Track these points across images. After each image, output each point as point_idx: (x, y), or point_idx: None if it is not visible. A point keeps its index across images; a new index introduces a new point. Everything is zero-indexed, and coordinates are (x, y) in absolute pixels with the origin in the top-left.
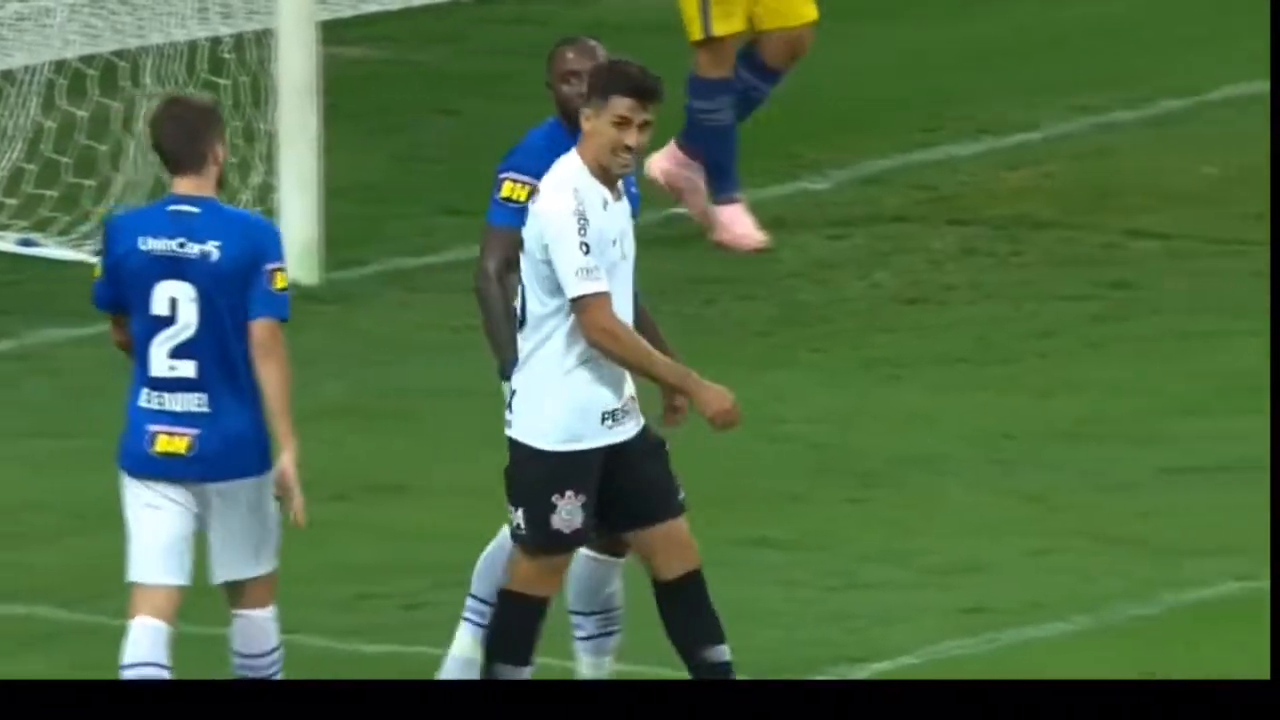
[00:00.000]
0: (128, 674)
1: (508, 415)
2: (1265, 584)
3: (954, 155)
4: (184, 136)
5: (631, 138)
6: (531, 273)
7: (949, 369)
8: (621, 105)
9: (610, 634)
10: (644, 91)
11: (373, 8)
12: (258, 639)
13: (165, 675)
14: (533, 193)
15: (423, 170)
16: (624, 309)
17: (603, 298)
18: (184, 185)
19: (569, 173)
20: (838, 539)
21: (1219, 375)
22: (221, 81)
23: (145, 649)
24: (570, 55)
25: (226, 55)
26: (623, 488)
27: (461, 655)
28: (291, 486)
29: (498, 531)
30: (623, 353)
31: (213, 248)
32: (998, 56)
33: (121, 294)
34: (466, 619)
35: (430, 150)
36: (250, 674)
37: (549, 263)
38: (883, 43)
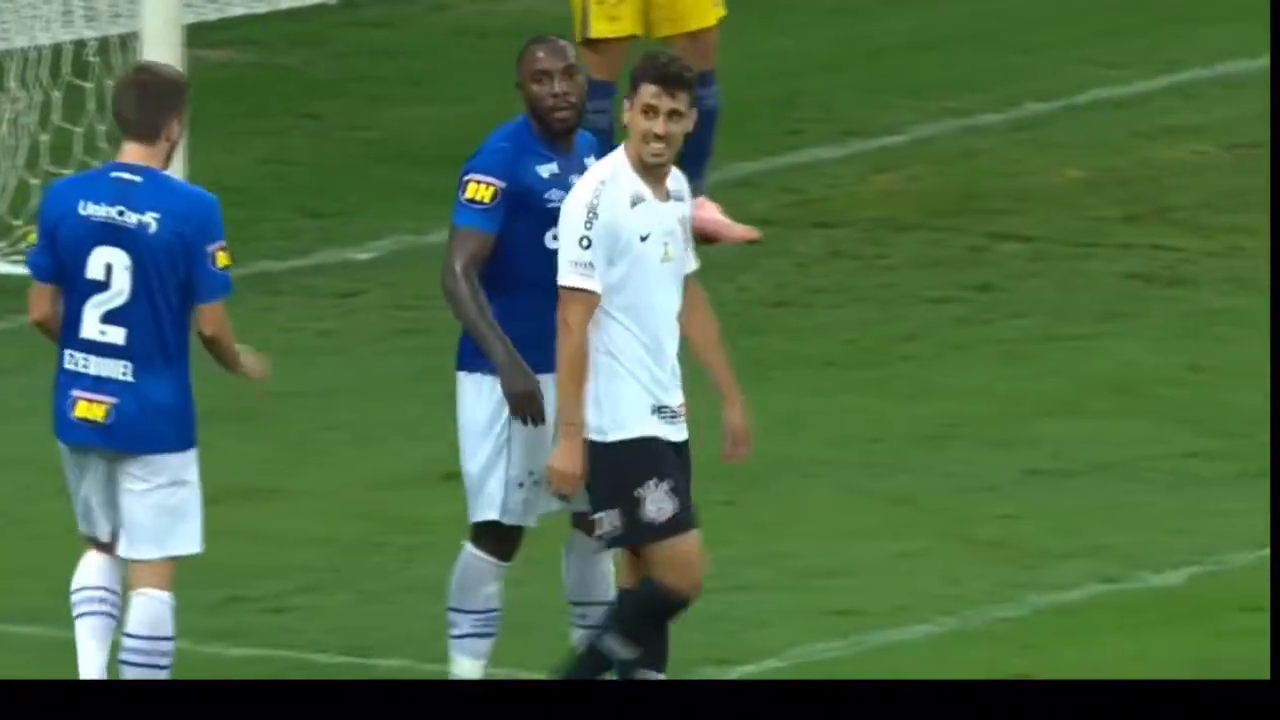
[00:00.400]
0: (75, 597)
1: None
2: (1128, 585)
3: (820, 158)
4: (143, 104)
5: (659, 125)
6: None
7: (817, 372)
8: (647, 93)
9: (486, 636)
10: (667, 78)
11: (237, 11)
12: (157, 623)
13: (114, 598)
14: (496, 194)
15: (287, 173)
16: (662, 307)
17: (584, 296)
18: (132, 153)
19: (605, 166)
20: (709, 542)
21: (1083, 377)
22: (86, 85)
23: (92, 575)
24: (541, 54)
25: (91, 58)
26: None
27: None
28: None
29: (363, 533)
30: (563, 359)
31: (151, 219)
32: (863, 60)
33: (59, 260)
34: (578, 625)
35: (294, 153)
36: (141, 660)
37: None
38: (750, 47)
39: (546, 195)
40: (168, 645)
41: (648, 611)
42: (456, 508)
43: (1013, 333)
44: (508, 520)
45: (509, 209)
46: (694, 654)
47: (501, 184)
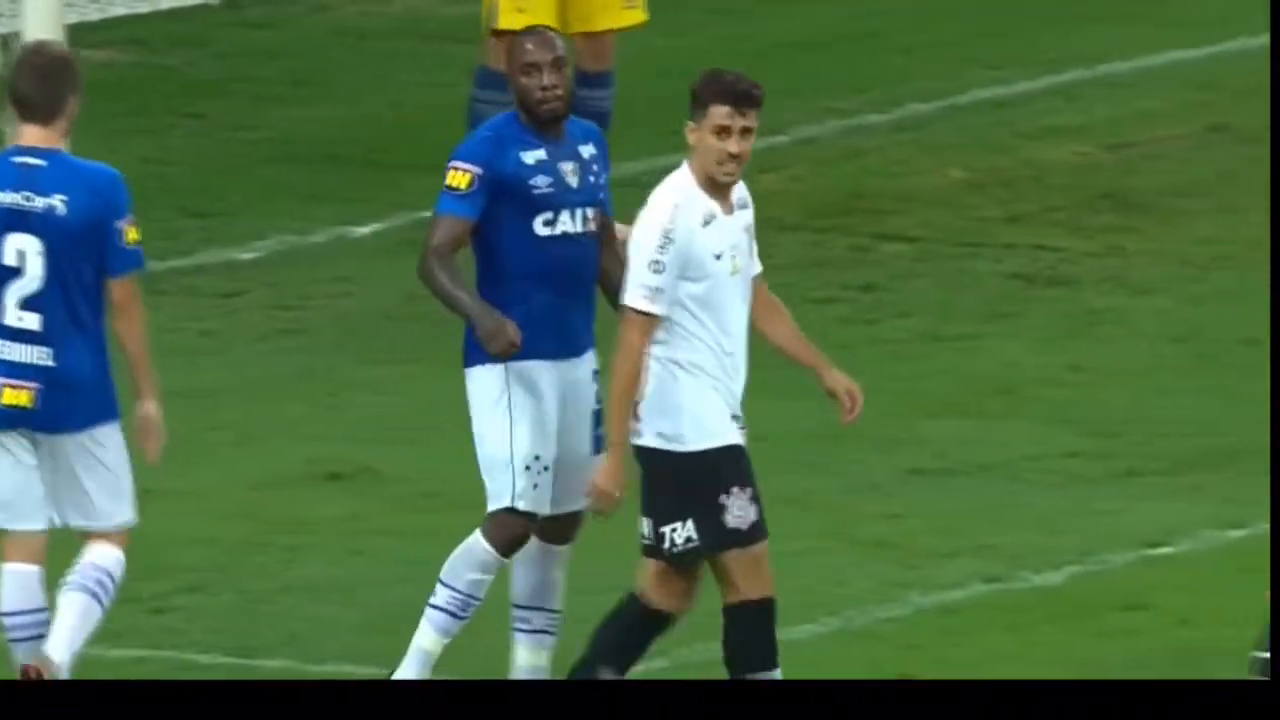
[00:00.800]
0: (6, 621)
1: (634, 425)
2: (1011, 585)
3: None
4: (38, 83)
5: (734, 145)
6: None
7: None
8: (719, 114)
9: (459, 619)
10: (740, 97)
11: (119, 11)
12: (116, 565)
13: (41, 618)
14: (473, 180)
15: (168, 173)
16: (736, 320)
17: (646, 320)
18: (31, 135)
19: (676, 187)
20: (597, 544)
21: (967, 378)
22: None
23: (15, 598)
24: (530, 47)
25: None
26: None
27: (527, 665)
28: (155, 431)
29: (245, 534)
30: (618, 378)
31: (58, 201)
32: (746, 60)
33: None
34: (520, 630)
35: (176, 153)
36: (103, 595)
37: None
38: (634, 47)
39: (532, 181)
40: (115, 584)
41: (759, 623)
42: (339, 508)
43: (897, 333)
44: (521, 505)
45: (491, 195)
46: (576, 657)
47: (479, 170)
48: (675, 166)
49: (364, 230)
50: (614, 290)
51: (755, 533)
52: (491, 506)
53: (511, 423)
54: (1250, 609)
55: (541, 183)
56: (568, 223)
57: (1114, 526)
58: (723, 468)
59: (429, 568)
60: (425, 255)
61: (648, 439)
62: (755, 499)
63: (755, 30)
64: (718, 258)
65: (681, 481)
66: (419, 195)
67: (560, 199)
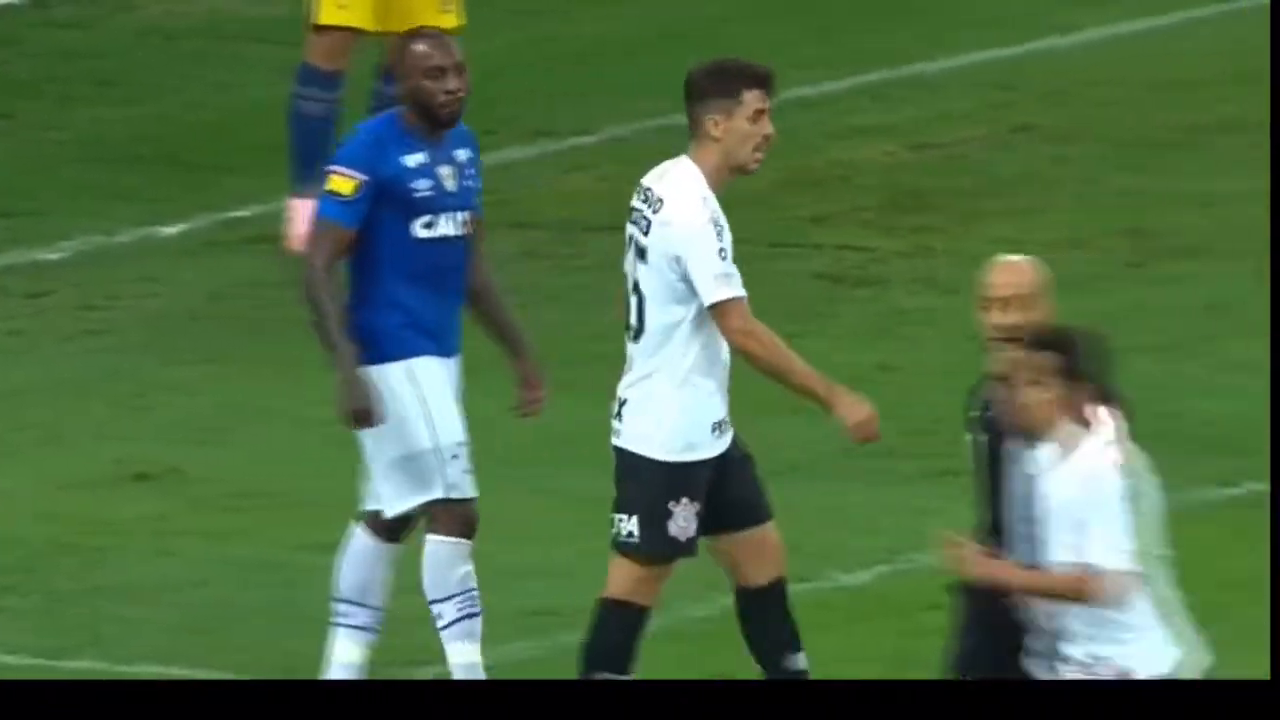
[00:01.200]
0: None
1: (616, 424)
2: (819, 584)
3: (513, 159)
4: None
5: (769, 126)
6: (657, 283)
7: (509, 373)
8: (754, 98)
9: (472, 616)
10: (768, 79)
11: None
12: None
13: None
14: (359, 186)
15: None
16: None
17: (741, 302)
18: None
19: (694, 182)
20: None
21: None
22: None
23: None
24: (433, 51)
25: None
26: (718, 495)
27: (345, 661)
28: None
29: (55, 535)
30: (765, 354)
31: None
32: (556, 60)
33: None
34: (341, 625)
35: None
36: None
37: (679, 272)
38: None
39: (413, 185)
40: None
41: (614, 625)
42: (146, 508)
43: None
44: (455, 495)
45: (374, 200)
46: (385, 655)
47: (365, 177)
48: (487, 168)
49: (170, 230)
50: (478, 290)
51: (688, 547)
52: (424, 499)
53: (430, 414)
54: None
55: (422, 186)
56: (445, 226)
57: (922, 525)
58: (683, 480)
59: (237, 568)
60: (311, 270)
61: (626, 440)
62: (699, 515)
63: (566, 31)
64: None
65: (641, 480)
66: (225, 195)
67: (440, 202)
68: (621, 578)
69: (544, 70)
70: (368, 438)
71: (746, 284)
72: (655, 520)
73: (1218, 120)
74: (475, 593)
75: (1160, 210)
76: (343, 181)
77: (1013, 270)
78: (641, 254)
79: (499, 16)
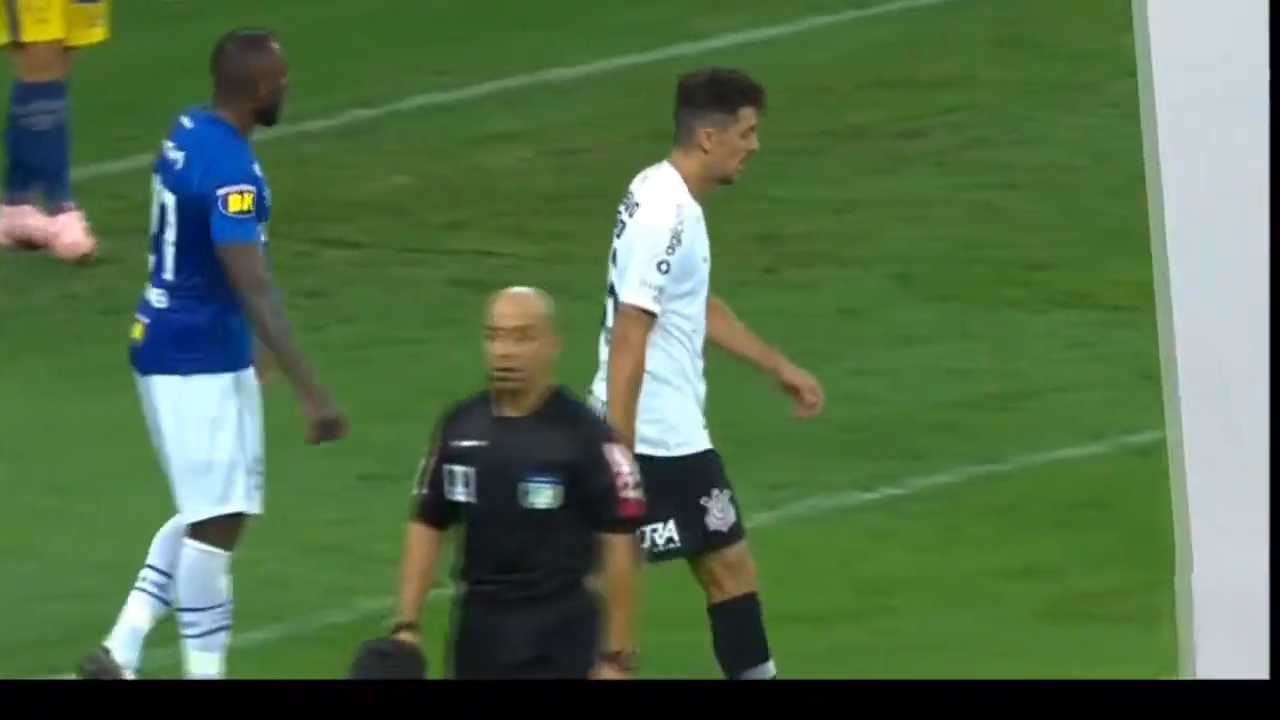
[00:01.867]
0: None
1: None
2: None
3: (146, 165)
4: None
5: (755, 142)
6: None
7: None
8: (749, 115)
9: (226, 629)
10: (762, 97)
11: None
12: None
13: None
14: (254, 200)
15: None
16: (703, 323)
17: (643, 318)
18: None
19: (675, 189)
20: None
21: (411, 383)
22: None
23: None
24: (280, 53)
25: None
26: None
27: (133, 624)
28: None
29: None
30: (622, 375)
31: None
32: (189, 68)
33: None
34: (142, 589)
35: None
36: None
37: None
38: (87, 53)
39: (264, 193)
40: None
41: (747, 619)
42: None
43: (342, 339)
44: (247, 508)
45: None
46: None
47: (253, 189)
48: (124, 174)
49: None
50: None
51: (735, 533)
52: (208, 513)
53: (240, 428)
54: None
55: (267, 193)
56: (264, 232)
57: None
58: (704, 471)
59: None
60: (259, 290)
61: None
62: (734, 500)
63: (193, 36)
64: (704, 260)
65: (664, 484)
66: None
67: (269, 210)
68: (705, 580)
69: (182, 77)
70: (175, 442)
71: (379, 291)
72: (693, 519)
73: (849, 126)
74: (231, 605)
75: (793, 217)
76: (243, 199)
77: (518, 301)
78: (614, 257)
79: (147, 21)
